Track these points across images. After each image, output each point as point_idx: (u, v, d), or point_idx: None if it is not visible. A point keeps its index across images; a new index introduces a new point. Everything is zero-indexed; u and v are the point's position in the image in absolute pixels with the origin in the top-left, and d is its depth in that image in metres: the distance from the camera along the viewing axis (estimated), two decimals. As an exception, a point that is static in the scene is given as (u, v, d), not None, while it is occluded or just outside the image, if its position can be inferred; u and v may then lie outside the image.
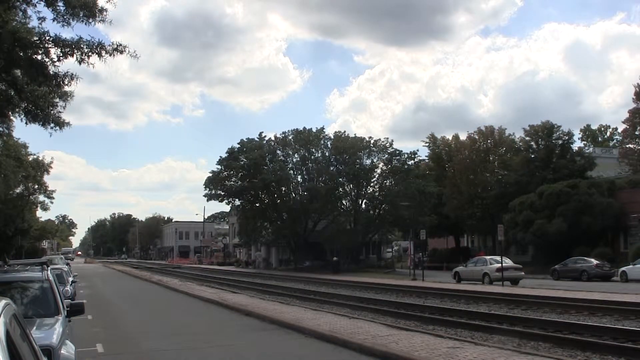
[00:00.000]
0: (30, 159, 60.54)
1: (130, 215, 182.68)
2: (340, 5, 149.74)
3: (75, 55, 18.04)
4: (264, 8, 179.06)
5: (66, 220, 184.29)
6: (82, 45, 17.99)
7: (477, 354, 10.33)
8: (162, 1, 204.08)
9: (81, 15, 18.07)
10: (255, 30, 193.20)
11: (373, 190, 59.81)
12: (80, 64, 18.13)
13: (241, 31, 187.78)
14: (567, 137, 54.94)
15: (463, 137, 63.57)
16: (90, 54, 18.02)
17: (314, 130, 60.41)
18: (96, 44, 18.12)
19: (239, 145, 59.45)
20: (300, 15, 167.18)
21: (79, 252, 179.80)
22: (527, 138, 56.66)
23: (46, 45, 18.39)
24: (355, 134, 79.36)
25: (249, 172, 57.24)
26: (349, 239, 55.89)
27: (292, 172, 60.55)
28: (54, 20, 18.38)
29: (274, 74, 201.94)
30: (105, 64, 18.81)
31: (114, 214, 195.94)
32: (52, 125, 20.82)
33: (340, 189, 59.21)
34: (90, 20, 18.26)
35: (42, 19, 18.73)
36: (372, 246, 65.45)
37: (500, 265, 32.06)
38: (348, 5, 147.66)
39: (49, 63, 18.52)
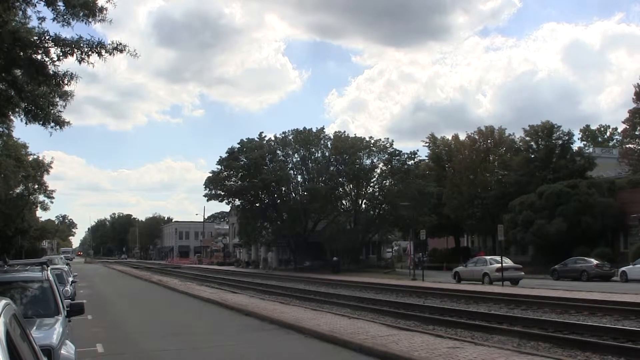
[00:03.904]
0: (30, 159, 60.53)
1: (130, 215, 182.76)
2: (337, 6, 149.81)
3: (75, 54, 18.01)
4: (261, 9, 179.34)
5: (66, 220, 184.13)
6: (82, 45, 17.95)
7: (477, 354, 10.33)
8: (160, 1, 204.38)
9: (81, 14, 18.04)
10: (253, 30, 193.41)
11: (373, 190, 59.88)
12: (80, 63, 18.09)
13: (239, 32, 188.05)
14: (567, 137, 54.92)
15: (462, 137, 63.69)
16: (90, 53, 17.97)
17: (314, 130, 60.47)
18: (96, 43, 18.07)
19: (239, 145, 59.46)
20: (297, 16, 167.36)
21: (80, 252, 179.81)
22: (527, 138, 56.66)
23: (46, 44, 18.34)
24: (355, 134, 79.50)
25: (249, 172, 57.22)
26: (349, 239, 55.89)
27: (292, 172, 60.57)
28: (53, 20, 18.32)
29: (273, 74, 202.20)
30: (104, 64, 18.92)
31: (114, 214, 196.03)
32: (52, 124, 20.76)
33: (340, 189, 59.23)
34: (90, 20, 18.21)
35: (42, 19, 18.67)
36: (372, 246, 65.48)
37: (500, 265, 32.05)
38: (345, 5, 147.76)
39: (48, 62, 18.48)
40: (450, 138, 65.87)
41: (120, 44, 18.42)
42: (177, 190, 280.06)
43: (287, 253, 67.00)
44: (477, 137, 60.71)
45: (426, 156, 65.18)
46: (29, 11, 19.06)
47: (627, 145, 56.70)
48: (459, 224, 60.71)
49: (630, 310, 17.16)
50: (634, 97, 53.02)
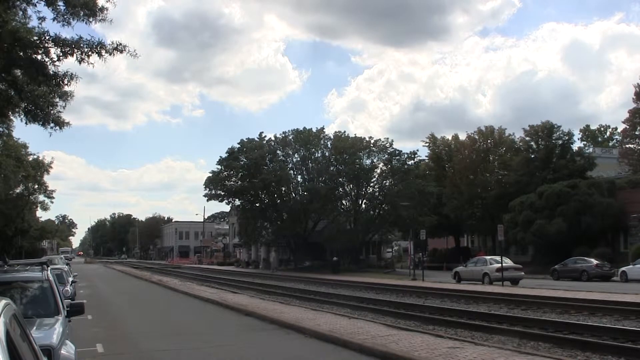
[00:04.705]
0: (30, 159, 60.56)
1: (130, 215, 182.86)
2: (336, 6, 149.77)
3: (75, 54, 18.02)
4: (261, 9, 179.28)
5: (66, 220, 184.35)
6: (82, 45, 17.96)
7: (477, 354, 10.33)
8: (160, 2, 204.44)
9: (81, 14, 18.06)
10: (253, 30, 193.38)
11: (373, 190, 59.84)
12: (80, 63, 18.11)
13: (238, 32, 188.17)
14: (567, 137, 54.91)
15: (462, 137, 63.71)
16: (90, 53, 17.99)
17: (314, 130, 60.48)
18: (96, 43, 18.10)
19: (239, 145, 59.47)
20: (296, 16, 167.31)
21: (81, 252, 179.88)
22: (527, 138, 56.66)
23: (46, 44, 18.36)
24: (355, 134, 79.48)
25: (249, 172, 57.24)
26: (349, 239, 55.88)
27: (292, 172, 60.58)
28: (54, 20, 18.36)
29: (273, 74, 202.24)
30: (104, 64, 18.82)
31: (114, 214, 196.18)
32: (52, 125, 20.76)
33: (340, 189, 59.21)
34: (91, 20, 18.24)
35: (42, 19, 18.71)
36: (372, 246, 65.46)
37: (500, 265, 32.05)
38: (344, 5, 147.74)
39: (48, 63, 18.49)
40: (450, 138, 65.99)
41: (120, 44, 18.46)
42: (177, 190, 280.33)
43: (287, 253, 67.03)
44: (477, 137, 60.74)
45: (426, 156, 65.22)
46: (29, 11, 19.12)
47: (627, 145, 56.73)
48: (459, 224, 60.70)
49: (630, 310, 17.16)
50: (634, 97, 53.07)
